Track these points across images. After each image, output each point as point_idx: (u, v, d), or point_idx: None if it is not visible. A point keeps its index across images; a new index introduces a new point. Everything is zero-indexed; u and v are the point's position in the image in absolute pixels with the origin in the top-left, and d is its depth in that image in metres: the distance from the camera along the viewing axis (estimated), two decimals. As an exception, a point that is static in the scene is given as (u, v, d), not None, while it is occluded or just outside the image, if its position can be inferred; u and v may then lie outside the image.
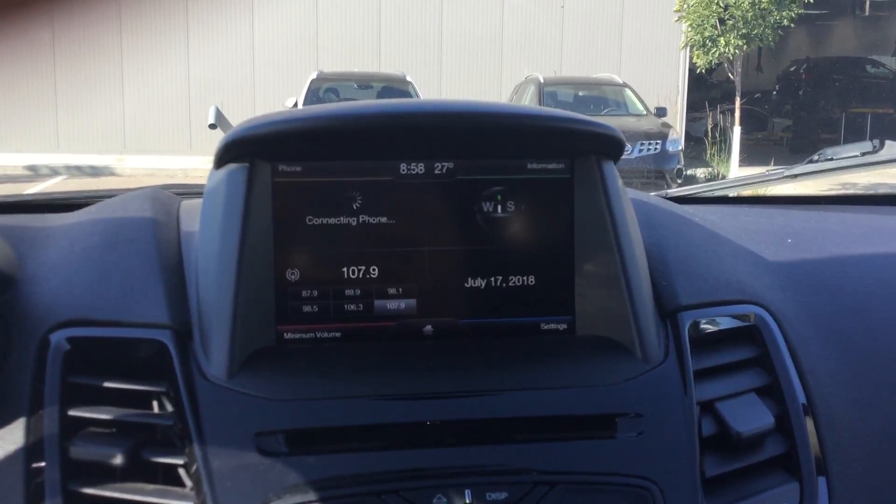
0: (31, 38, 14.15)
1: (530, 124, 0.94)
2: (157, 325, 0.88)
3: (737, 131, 12.51)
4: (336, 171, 0.94)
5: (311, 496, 0.76)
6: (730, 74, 13.09)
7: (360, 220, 0.95)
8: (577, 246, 0.97)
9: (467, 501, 0.77)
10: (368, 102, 0.96)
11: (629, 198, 1.00)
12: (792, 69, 18.56)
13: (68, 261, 0.96)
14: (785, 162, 13.48)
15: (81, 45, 14.41)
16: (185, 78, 14.88)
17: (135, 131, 14.72)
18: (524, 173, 0.97)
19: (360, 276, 0.95)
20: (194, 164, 13.50)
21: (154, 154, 13.82)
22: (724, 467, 0.86)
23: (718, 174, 12.47)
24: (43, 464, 0.78)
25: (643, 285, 0.94)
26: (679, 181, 11.07)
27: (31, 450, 0.79)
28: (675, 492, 0.80)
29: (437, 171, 0.96)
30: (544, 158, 0.97)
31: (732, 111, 13.41)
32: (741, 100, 13.03)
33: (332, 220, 0.94)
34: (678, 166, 10.75)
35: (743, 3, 11.75)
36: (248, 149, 0.91)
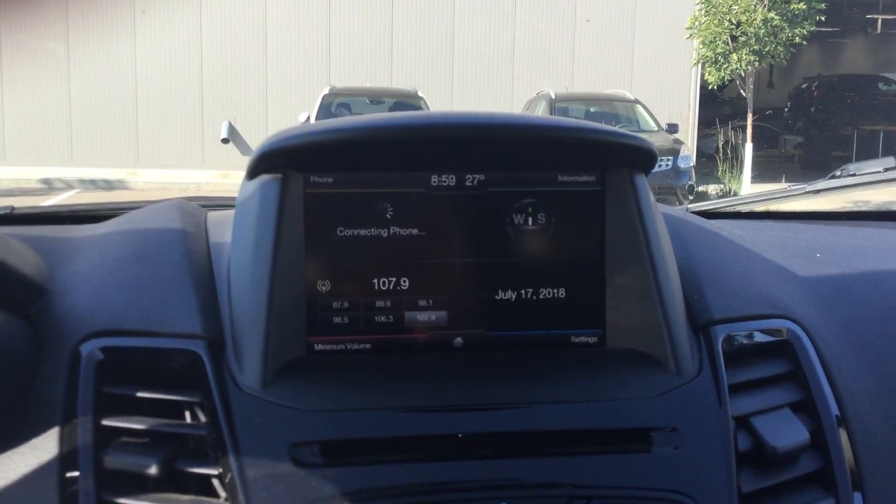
0: (46, 52, 14.29)
1: (563, 136, 0.94)
2: (190, 336, 0.87)
3: (748, 148, 12.49)
4: (367, 183, 0.94)
5: None
6: (741, 91, 13.08)
7: (391, 231, 0.95)
8: (608, 258, 0.97)
9: None
10: (401, 114, 0.96)
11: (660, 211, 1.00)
12: (804, 86, 18.54)
13: (99, 271, 0.96)
14: (797, 179, 13.44)
15: (95, 59, 14.52)
16: (198, 93, 14.98)
17: (148, 145, 14.81)
18: (555, 186, 0.97)
19: (391, 287, 0.95)
20: (206, 177, 13.57)
21: (167, 168, 13.89)
22: (760, 483, 0.85)
23: (730, 191, 12.44)
24: (77, 473, 0.78)
25: (676, 298, 0.94)
26: (690, 197, 11.05)
27: (65, 459, 0.79)
28: None
29: (468, 183, 0.96)
30: (575, 171, 0.97)
31: (744, 128, 13.40)
32: (753, 117, 13.02)
33: (363, 232, 0.94)
34: (689, 182, 10.74)
35: (755, 20, 11.76)
36: (281, 160, 0.92)
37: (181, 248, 0.99)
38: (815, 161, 16.53)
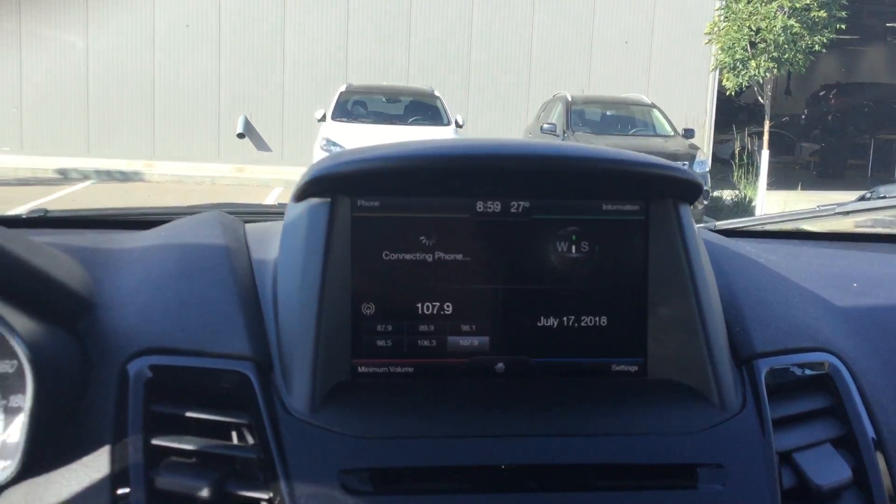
0: (65, 43, 14.37)
1: (609, 167, 0.95)
2: (239, 357, 0.88)
3: (765, 154, 12.44)
4: (413, 208, 0.95)
5: None
6: (759, 97, 13.03)
7: (436, 256, 0.95)
8: (651, 288, 0.97)
9: None
10: (449, 141, 0.97)
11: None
12: (821, 93, 18.46)
13: (145, 287, 0.97)
14: (812, 187, 13.40)
15: (114, 52, 14.59)
16: (215, 87, 15.03)
17: (164, 138, 14.86)
18: (599, 214, 0.97)
19: (434, 311, 0.95)
20: (222, 171, 13.63)
21: (182, 161, 13.94)
22: None
23: (745, 197, 12.40)
24: (128, 490, 0.79)
25: (719, 331, 0.94)
26: (705, 202, 11.01)
27: (117, 477, 0.80)
28: None
29: (513, 210, 0.96)
30: (620, 200, 0.97)
31: (760, 134, 13.34)
32: (769, 123, 12.96)
33: (407, 256, 0.95)
34: (705, 188, 10.68)
35: (775, 27, 11.71)
36: (330, 184, 0.92)
37: (226, 265, 1.00)
38: (831, 169, 16.46)
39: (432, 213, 0.95)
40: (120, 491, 0.79)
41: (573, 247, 0.97)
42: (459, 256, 0.96)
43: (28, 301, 0.83)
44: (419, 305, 0.95)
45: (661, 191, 0.97)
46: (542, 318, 0.97)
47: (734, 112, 17.10)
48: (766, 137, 12.74)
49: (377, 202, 0.95)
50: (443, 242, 0.95)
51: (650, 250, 0.98)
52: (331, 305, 0.91)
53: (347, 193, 0.94)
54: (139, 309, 0.93)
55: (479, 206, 0.96)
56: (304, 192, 0.94)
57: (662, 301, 0.97)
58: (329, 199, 0.93)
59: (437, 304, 0.95)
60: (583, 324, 0.97)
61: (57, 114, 14.64)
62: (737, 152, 13.48)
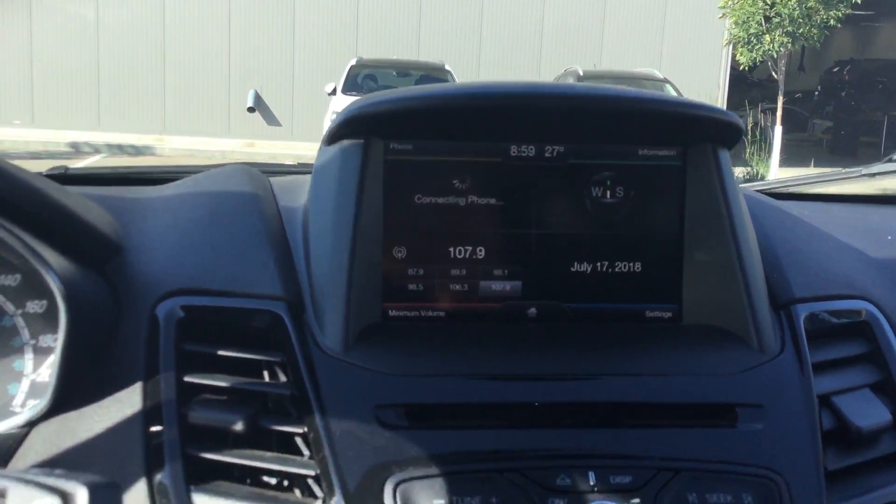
0: (76, 17, 14.33)
1: (647, 109, 0.93)
2: (271, 297, 0.88)
3: (778, 131, 12.35)
4: (446, 151, 0.94)
5: (434, 470, 0.76)
6: (773, 73, 12.91)
7: (469, 200, 0.94)
8: (688, 233, 0.96)
9: (591, 483, 0.76)
10: (483, 82, 0.95)
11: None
12: (835, 69, 18.28)
13: (174, 232, 0.96)
14: (825, 164, 13.28)
15: (125, 24, 14.55)
16: (225, 61, 14.98)
17: (174, 112, 14.85)
18: (635, 159, 0.96)
19: (467, 256, 0.95)
20: (232, 146, 13.61)
21: (193, 135, 13.93)
22: (844, 462, 0.85)
23: (758, 174, 12.31)
24: (161, 427, 0.79)
25: (758, 275, 0.93)
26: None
27: (149, 413, 0.80)
28: (799, 485, 0.79)
29: (547, 155, 0.95)
30: (657, 145, 0.96)
31: (773, 110, 13.23)
32: (783, 99, 12.85)
33: (440, 200, 0.94)
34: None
35: (790, 1, 11.58)
36: (363, 126, 0.91)
37: (255, 210, 0.99)
38: (844, 146, 16.32)
39: (465, 157, 0.94)
40: (153, 427, 0.79)
41: (608, 192, 0.96)
42: (492, 201, 0.95)
43: (59, 240, 0.83)
44: (451, 250, 0.94)
45: (700, 135, 0.96)
46: (576, 263, 0.96)
47: (747, 88, 16.96)
48: (779, 113, 12.64)
49: (410, 145, 0.94)
50: (476, 187, 0.94)
51: (687, 196, 0.96)
52: (363, 248, 0.90)
53: (381, 136, 0.93)
54: (169, 252, 0.93)
55: (513, 150, 0.95)
56: (336, 135, 0.93)
57: (699, 246, 0.96)
58: (362, 141, 0.92)
59: (470, 248, 0.95)
60: (617, 269, 0.96)
61: (67, 87, 14.62)
62: (749, 128, 13.38)
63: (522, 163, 0.95)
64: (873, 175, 1.79)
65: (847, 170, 1.83)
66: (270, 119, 15.13)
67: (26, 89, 14.59)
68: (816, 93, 18.81)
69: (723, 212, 0.94)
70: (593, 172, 0.96)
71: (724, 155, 0.96)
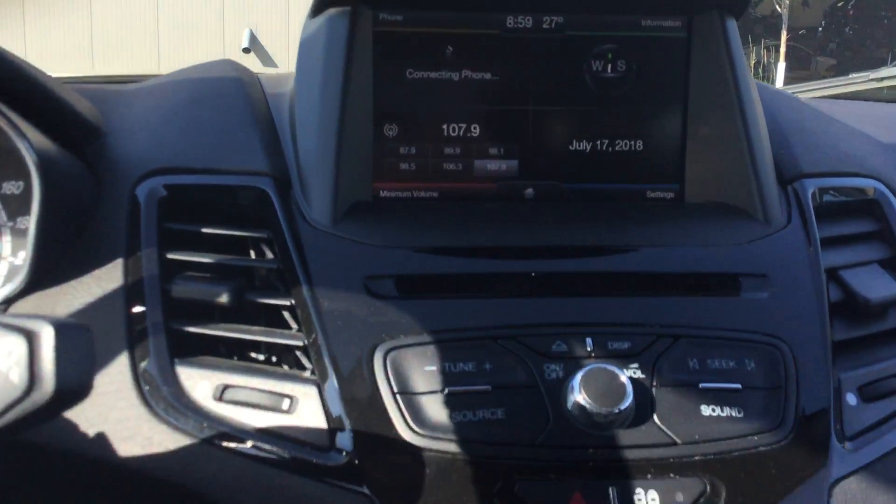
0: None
1: None
2: (256, 173, 0.84)
3: (781, 68, 12.17)
4: (439, 22, 0.89)
5: (426, 338, 0.73)
6: (777, 6, 12.67)
7: (462, 75, 0.90)
8: (692, 108, 0.92)
9: (588, 349, 0.73)
10: None
11: None
12: (839, 4, 17.95)
13: (155, 115, 0.92)
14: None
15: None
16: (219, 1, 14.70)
17: (168, 52, 14.63)
18: (638, 31, 0.91)
19: (461, 134, 0.91)
20: (228, 87, 13.43)
21: (188, 76, 13.76)
22: (850, 333, 0.82)
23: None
24: (143, 308, 0.76)
25: (765, 148, 0.89)
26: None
27: (131, 289, 0.77)
28: (805, 352, 0.76)
29: (545, 26, 0.90)
30: (660, 15, 0.91)
31: (777, 47, 13.03)
32: (786, 36, 12.63)
33: (432, 74, 0.90)
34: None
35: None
36: None
37: (240, 93, 0.95)
38: (848, 84, 16.11)
39: (459, 28, 0.90)
40: (135, 303, 0.76)
41: (609, 66, 0.91)
42: (488, 75, 0.90)
43: (39, 118, 0.80)
44: (444, 127, 0.90)
45: (704, 3, 0.91)
46: (575, 141, 0.92)
47: (750, 24, 16.67)
48: (782, 50, 12.44)
49: (400, 16, 0.89)
50: (470, 60, 0.90)
51: (692, 68, 0.92)
52: (351, 124, 0.86)
53: (369, 4, 0.88)
54: (150, 134, 0.89)
55: (510, 21, 0.90)
56: (321, 4, 0.88)
57: (704, 121, 0.91)
58: (349, 9, 0.87)
59: (464, 125, 0.90)
60: (617, 148, 0.92)
61: (60, 30, 14.39)
62: (752, 65, 13.18)
63: (519, 34, 0.90)
64: (881, 79, 1.74)
65: (855, 75, 1.78)
66: (266, 60, 14.89)
67: (19, 29, 14.37)
68: (820, 29, 18.51)
69: (729, 83, 0.89)
70: (593, 45, 0.91)
71: (732, 24, 0.91)
